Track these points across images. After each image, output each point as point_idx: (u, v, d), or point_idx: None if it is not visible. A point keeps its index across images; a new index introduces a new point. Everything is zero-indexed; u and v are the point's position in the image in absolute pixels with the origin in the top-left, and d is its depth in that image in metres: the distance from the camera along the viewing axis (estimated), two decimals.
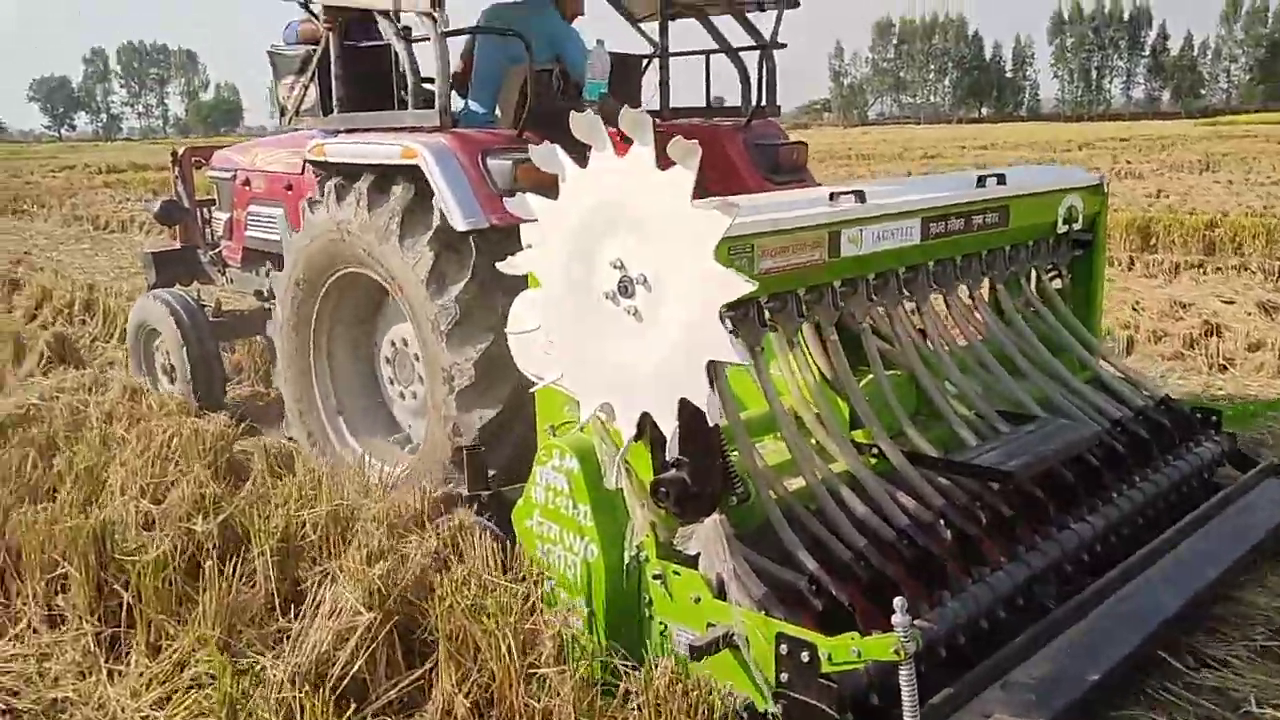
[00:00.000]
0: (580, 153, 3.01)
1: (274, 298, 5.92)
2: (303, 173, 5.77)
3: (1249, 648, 3.45)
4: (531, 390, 3.19)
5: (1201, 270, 9.69)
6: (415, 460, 4.33)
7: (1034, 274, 4.66)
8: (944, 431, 3.90)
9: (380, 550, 3.43)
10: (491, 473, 3.75)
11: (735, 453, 3.16)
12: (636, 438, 2.92)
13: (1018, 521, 3.49)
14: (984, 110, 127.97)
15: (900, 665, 2.53)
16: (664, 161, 2.56)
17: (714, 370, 2.60)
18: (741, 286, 2.45)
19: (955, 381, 4.09)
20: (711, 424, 2.61)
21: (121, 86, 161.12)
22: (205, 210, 7.05)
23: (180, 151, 7.30)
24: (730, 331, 2.50)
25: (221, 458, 4.60)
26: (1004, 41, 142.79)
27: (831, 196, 3.56)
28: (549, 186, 4.05)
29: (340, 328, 4.83)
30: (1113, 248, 10.71)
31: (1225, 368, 6.60)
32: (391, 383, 4.71)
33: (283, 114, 5.02)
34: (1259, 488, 4.29)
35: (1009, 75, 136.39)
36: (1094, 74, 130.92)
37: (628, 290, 2.68)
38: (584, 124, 2.68)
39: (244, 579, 3.37)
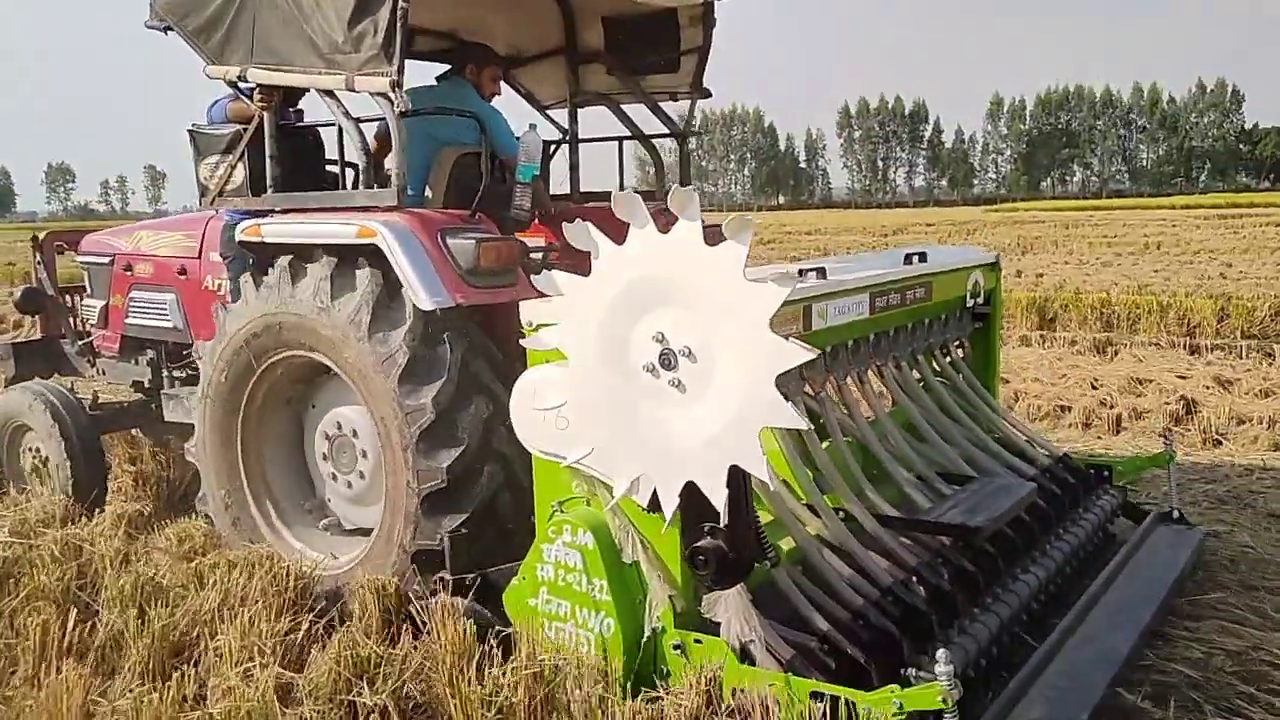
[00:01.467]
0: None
1: (170, 392, 5.64)
2: (199, 256, 5.59)
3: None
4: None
5: (1111, 347, 10.32)
6: (367, 548, 4.20)
7: (945, 345, 5.01)
8: (895, 493, 4.12)
9: None
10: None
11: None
12: (651, 509, 2.98)
13: (981, 575, 3.72)
14: (781, 199, 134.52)
15: (946, 714, 2.67)
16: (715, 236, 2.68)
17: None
18: (801, 354, 2.58)
19: (895, 446, 4.34)
20: (772, 488, 2.70)
21: None
22: (72, 298, 6.67)
23: (42, 236, 6.90)
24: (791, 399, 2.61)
25: (332, 602, 4.01)
26: (796, 134, 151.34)
27: (800, 273, 3.76)
28: (510, 266, 4.12)
29: (269, 414, 4.65)
30: (1015, 325, 11.43)
31: (1219, 443, 6.87)
32: (328, 466, 4.56)
33: (203, 194, 4.85)
34: (1153, 535, 4.71)
35: (803, 166, 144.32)
36: (880, 165, 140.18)
37: (670, 363, 2.76)
38: (624, 203, 2.77)
39: None
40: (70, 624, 3.58)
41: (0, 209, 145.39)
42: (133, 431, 6.45)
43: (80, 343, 6.39)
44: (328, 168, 5.26)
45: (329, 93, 4.24)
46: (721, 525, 2.86)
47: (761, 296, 2.61)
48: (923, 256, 4.61)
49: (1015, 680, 3.36)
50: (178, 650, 3.53)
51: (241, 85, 4.50)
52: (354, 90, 4.08)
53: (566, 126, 5.88)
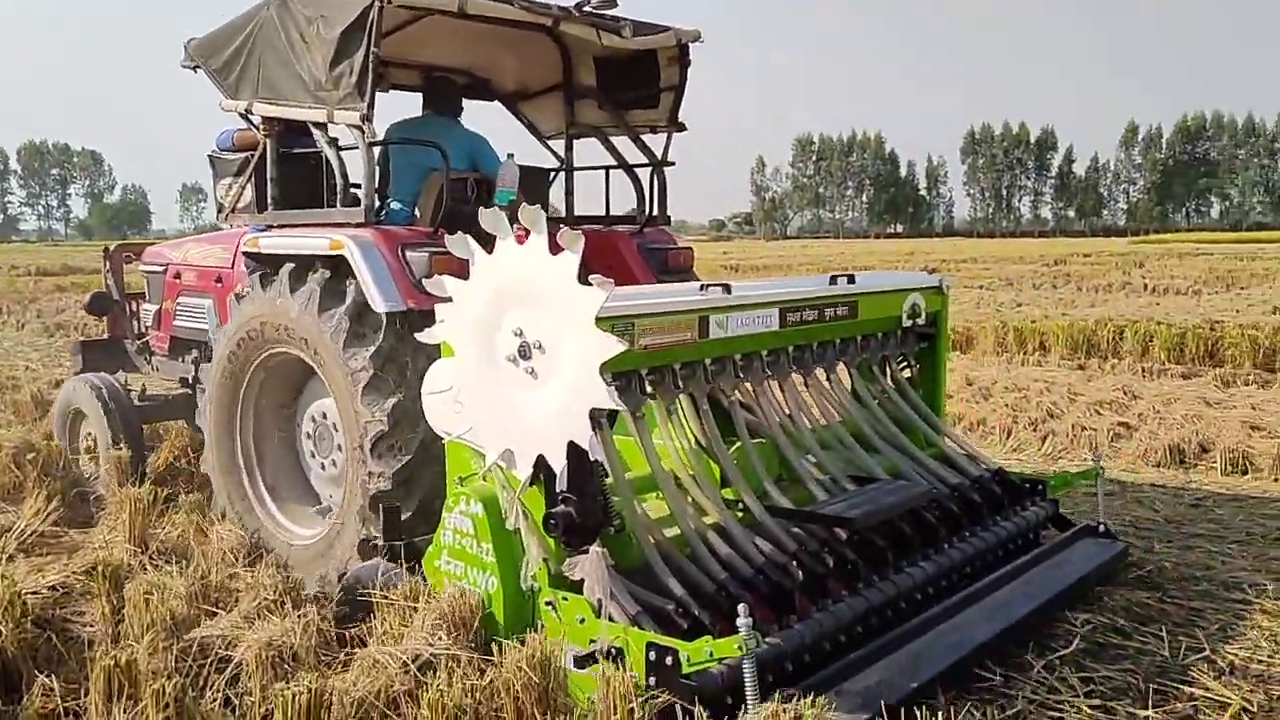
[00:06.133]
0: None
1: (200, 383, 6.42)
2: (233, 267, 6.35)
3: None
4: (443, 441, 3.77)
5: None
6: (334, 520, 4.82)
7: (885, 362, 5.39)
8: (802, 492, 4.53)
9: None
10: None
11: (616, 498, 3.76)
12: (533, 480, 3.50)
13: (860, 564, 4.11)
14: (899, 227, 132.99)
15: (744, 659, 3.10)
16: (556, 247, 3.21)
17: (597, 420, 3.22)
18: (616, 347, 3.10)
19: (812, 451, 4.74)
20: (593, 460, 3.20)
21: (21, 186, 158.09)
22: (134, 303, 7.55)
23: (112, 248, 7.83)
24: (611, 385, 3.12)
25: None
26: (918, 160, 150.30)
27: (702, 288, 4.24)
28: (458, 276, 4.70)
29: (265, 408, 5.33)
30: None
31: None
32: (312, 455, 5.21)
33: (219, 211, 5.61)
34: (1074, 546, 4.99)
35: (923, 193, 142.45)
36: (1004, 193, 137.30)
37: (526, 353, 3.31)
38: (490, 219, 3.32)
39: None
40: None
41: (136, 226, 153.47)
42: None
43: (139, 342, 7.24)
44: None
45: (317, 124, 4.91)
46: (571, 495, 3.37)
47: (588, 298, 3.13)
48: (850, 279, 5.01)
49: (866, 648, 3.76)
50: None
51: (251, 117, 5.21)
52: (334, 123, 4.74)
53: (563, 156, 6.46)
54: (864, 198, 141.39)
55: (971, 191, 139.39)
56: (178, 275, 6.72)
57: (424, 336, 3.66)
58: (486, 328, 3.41)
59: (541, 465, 3.33)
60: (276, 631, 3.69)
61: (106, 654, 3.32)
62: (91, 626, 4.00)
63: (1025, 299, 19.42)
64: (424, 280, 3.58)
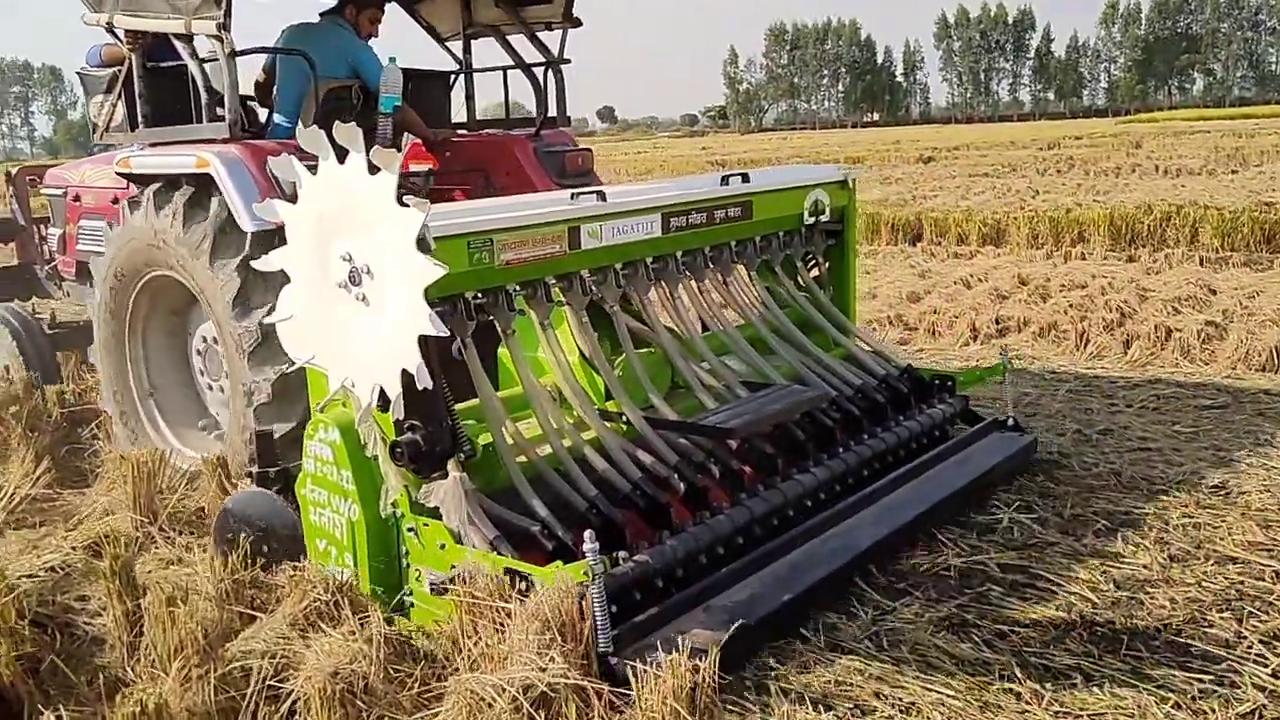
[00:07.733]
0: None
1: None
2: (128, 187, 6.13)
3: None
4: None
5: None
6: (223, 447, 4.71)
7: (791, 262, 5.23)
8: (693, 402, 4.42)
9: None
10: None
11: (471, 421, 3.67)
12: (382, 407, 3.37)
13: (746, 473, 4.02)
14: (876, 115, 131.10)
15: (590, 586, 3.03)
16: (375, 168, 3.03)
17: (426, 345, 3.08)
18: (435, 271, 2.95)
19: (706, 358, 4.62)
20: (420, 389, 3.08)
21: None
22: (41, 227, 7.32)
23: (14, 171, 7.58)
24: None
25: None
26: (894, 46, 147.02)
27: (573, 196, 4.07)
28: None
29: (155, 321, 5.17)
30: None
31: None
32: (202, 374, 5.09)
33: (93, 130, 5.39)
34: (979, 441, 4.93)
35: (899, 80, 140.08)
36: (982, 77, 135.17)
37: (356, 279, 3.15)
38: (309, 138, 3.13)
39: None
40: None
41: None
42: None
43: (48, 268, 7.03)
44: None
45: (178, 35, 4.65)
46: (416, 422, 3.26)
47: (406, 219, 2.96)
48: (745, 177, 4.83)
49: (743, 560, 3.69)
50: None
51: (115, 31, 4.94)
52: (191, 33, 4.48)
53: (462, 58, 6.20)
54: (840, 87, 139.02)
55: (948, 76, 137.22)
56: (77, 198, 6.49)
57: (260, 264, 3.49)
58: (318, 253, 3.24)
59: (386, 395, 3.21)
60: (341, 654, 2.94)
61: (124, 680, 2.88)
62: (100, 618, 3.54)
63: (1039, 186, 18.32)
64: (254, 205, 3.40)
